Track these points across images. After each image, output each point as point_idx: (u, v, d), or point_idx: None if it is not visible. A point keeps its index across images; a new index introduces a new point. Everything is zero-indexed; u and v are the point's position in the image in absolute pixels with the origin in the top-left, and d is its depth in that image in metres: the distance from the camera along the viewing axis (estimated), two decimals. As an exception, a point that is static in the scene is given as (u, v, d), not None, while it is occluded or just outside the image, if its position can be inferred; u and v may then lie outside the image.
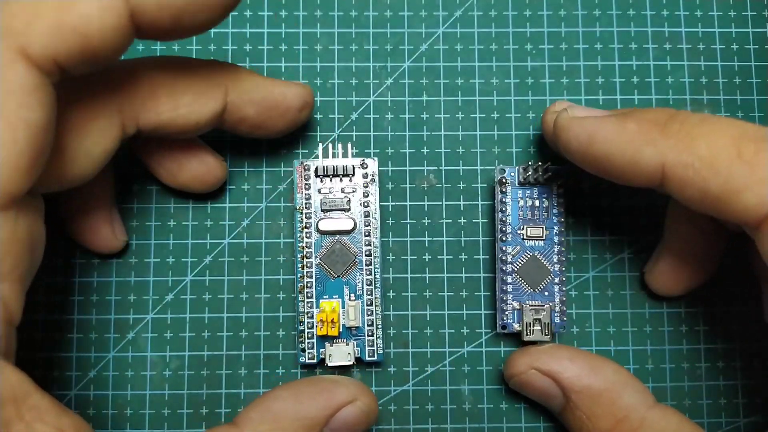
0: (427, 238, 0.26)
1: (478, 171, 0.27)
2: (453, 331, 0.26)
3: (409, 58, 0.27)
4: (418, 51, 0.27)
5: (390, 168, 0.27)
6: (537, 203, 0.25)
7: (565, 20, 0.27)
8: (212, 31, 0.27)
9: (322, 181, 0.25)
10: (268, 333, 0.26)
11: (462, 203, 0.26)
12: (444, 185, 0.26)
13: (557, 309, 0.24)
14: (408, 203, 0.26)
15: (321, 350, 0.24)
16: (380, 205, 0.26)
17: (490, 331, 0.26)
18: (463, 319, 0.26)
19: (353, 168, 0.25)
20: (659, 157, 0.19)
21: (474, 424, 0.25)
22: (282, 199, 0.26)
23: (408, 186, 0.26)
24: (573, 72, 0.27)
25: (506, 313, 0.24)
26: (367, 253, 0.24)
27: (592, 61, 0.27)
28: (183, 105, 0.21)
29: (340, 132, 0.27)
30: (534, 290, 0.25)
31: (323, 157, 0.25)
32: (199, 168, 0.24)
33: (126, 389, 0.25)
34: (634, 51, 0.27)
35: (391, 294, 0.26)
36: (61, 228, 0.24)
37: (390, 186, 0.26)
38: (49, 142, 0.17)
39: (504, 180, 0.25)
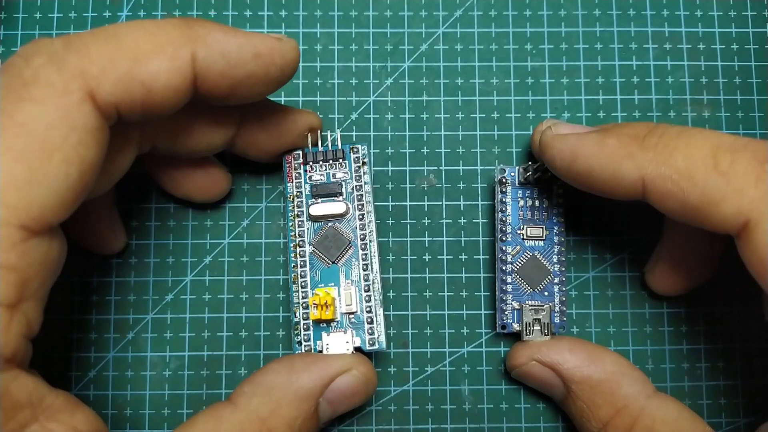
0: (427, 238, 0.26)
1: (478, 171, 0.27)
2: (453, 331, 0.26)
3: (409, 58, 0.27)
4: (418, 51, 0.27)
5: (390, 168, 0.27)
6: (537, 203, 0.25)
7: (565, 20, 0.27)
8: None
9: (312, 167, 0.24)
10: (268, 333, 0.26)
11: (462, 203, 0.26)
12: (444, 185, 0.26)
13: (557, 309, 0.24)
14: (408, 203, 0.26)
15: (318, 341, 0.23)
16: (379, 209, 0.26)
17: (490, 331, 0.26)
18: (463, 319, 0.26)
19: (343, 152, 0.24)
20: (639, 171, 0.19)
21: (474, 424, 0.25)
22: (282, 199, 0.26)
23: (408, 186, 0.26)
24: (573, 72, 0.27)
25: (506, 313, 0.24)
26: (362, 237, 0.24)
27: (592, 61, 0.27)
28: (198, 128, 0.22)
29: (341, 132, 0.27)
30: (534, 290, 0.24)
31: (312, 145, 0.24)
32: (204, 179, 0.24)
33: (126, 389, 0.25)
34: (634, 51, 0.27)
35: (391, 294, 0.26)
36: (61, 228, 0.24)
37: (390, 186, 0.26)
38: (95, 178, 0.18)
39: (504, 180, 0.25)
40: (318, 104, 0.27)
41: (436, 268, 0.26)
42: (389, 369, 0.26)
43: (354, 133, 0.27)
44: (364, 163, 0.24)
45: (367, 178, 0.24)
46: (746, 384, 0.25)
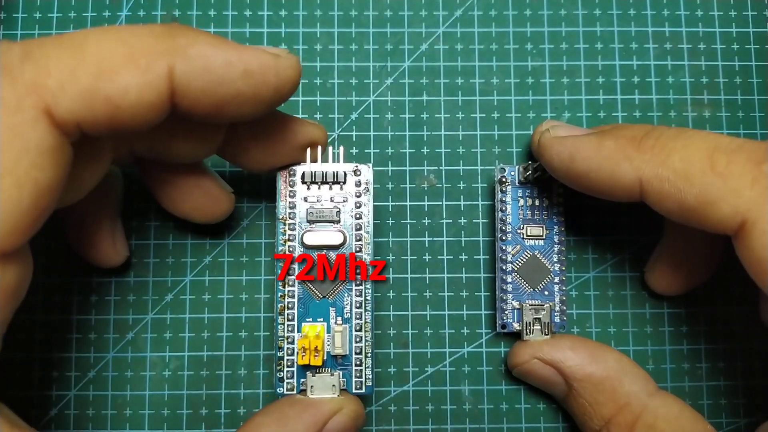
0: (427, 238, 0.26)
1: (478, 171, 0.27)
2: (453, 331, 0.26)
3: (409, 58, 0.27)
4: (418, 51, 0.27)
5: (390, 168, 0.26)
6: (537, 203, 0.25)
7: (566, 20, 0.27)
8: (211, 30, 0.27)
9: (309, 188, 0.22)
10: (268, 333, 0.26)
11: (462, 203, 0.26)
12: (444, 185, 0.26)
13: (557, 308, 0.24)
14: (408, 203, 0.26)
15: (302, 380, 0.21)
16: (378, 209, 0.26)
17: (490, 331, 0.26)
18: (463, 319, 0.26)
19: (345, 175, 0.22)
20: (636, 172, 0.19)
21: (474, 424, 0.25)
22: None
23: (408, 186, 0.26)
24: (573, 72, 0.27)
25: (506, 312, 0.24)
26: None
27: (593, 61, 0.27)
28: (179, 136, 0.20)
29: (340, 132, 0.27)
30: (534, 289, 0.24)
31: (311, 161, 0.22)
32: (202, 199, 0.23)
33: (125, 389, 0.25)
34: (634, 51, 0.27)
35: (391, 294, 0.26)
36: (61, 235, 0.24)
37: (390, 186, 0.26)
38: (55, 200, 0.16)
39: (504, 179, 0.25)
40: (318, 104, 0.27)
41: (436, 268, 0.26)
42: (389, 369, 0.25)
43: (354, 133, 0.27)
44: (366, 189, 0.22)
45: (368, 206, 0.22)
46: (747, 384, 0.25)
